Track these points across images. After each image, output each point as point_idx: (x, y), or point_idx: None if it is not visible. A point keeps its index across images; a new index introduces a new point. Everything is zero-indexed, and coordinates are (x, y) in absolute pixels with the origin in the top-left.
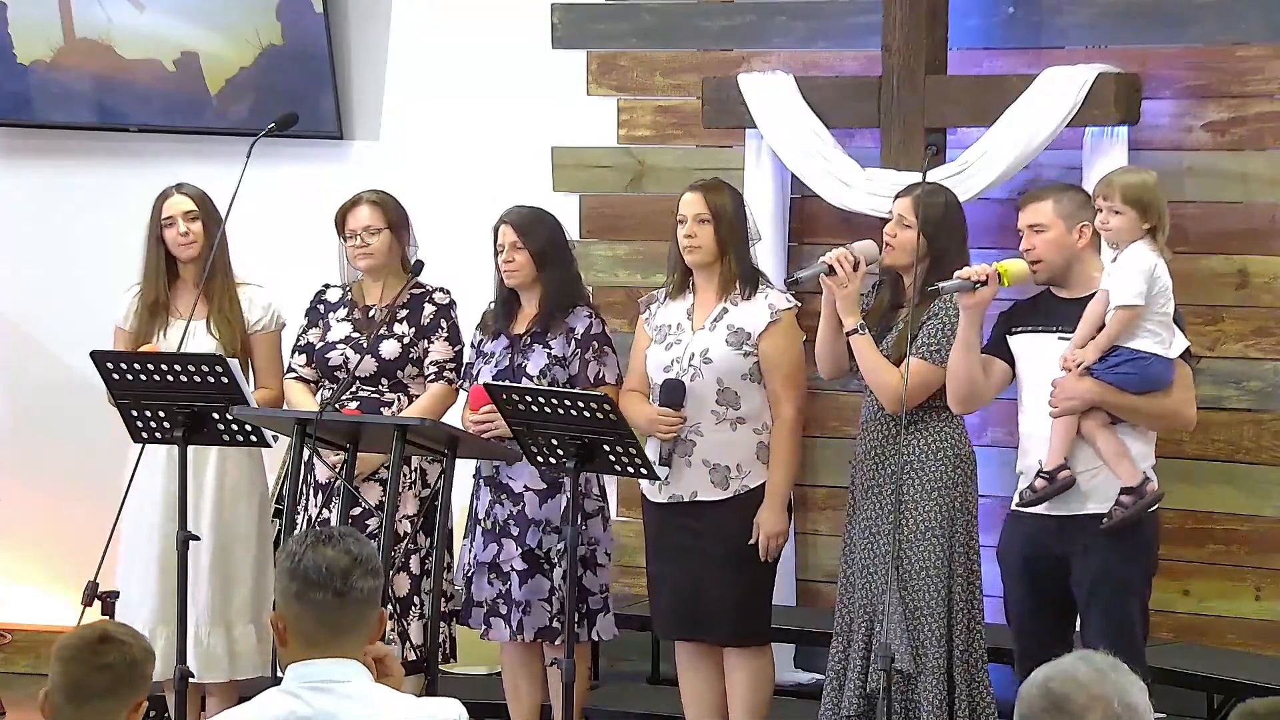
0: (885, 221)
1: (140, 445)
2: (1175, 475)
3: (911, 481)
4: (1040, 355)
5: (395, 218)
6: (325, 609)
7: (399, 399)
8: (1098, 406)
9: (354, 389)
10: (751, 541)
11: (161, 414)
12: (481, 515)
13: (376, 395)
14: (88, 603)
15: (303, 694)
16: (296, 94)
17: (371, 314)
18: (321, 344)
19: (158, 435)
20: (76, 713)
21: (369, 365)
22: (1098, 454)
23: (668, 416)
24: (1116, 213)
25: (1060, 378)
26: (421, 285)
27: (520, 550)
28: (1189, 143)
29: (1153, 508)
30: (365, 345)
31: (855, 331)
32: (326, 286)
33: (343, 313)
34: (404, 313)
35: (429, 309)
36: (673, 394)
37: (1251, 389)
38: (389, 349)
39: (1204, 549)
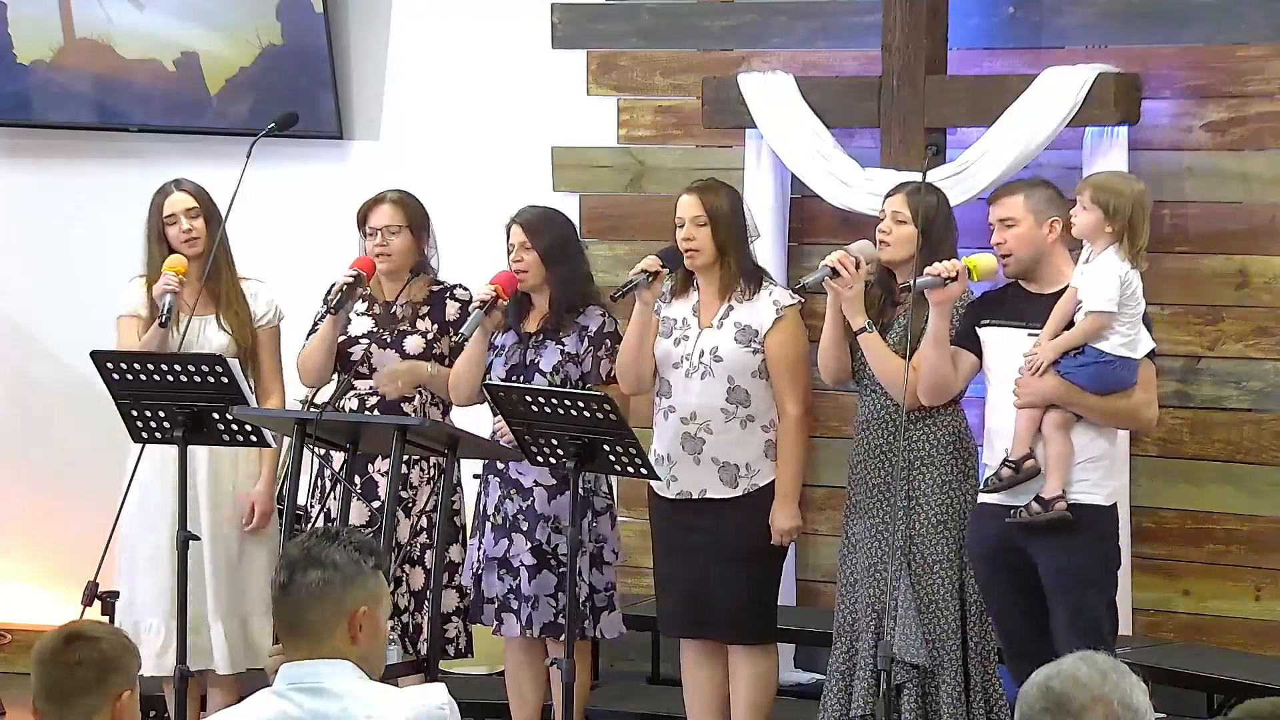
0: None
1: (140, 445)
2: (1175, 475)
3: (922, 476)
4: (1008, 350)
5: (416, 218)
6: (276, 604)
7: (419, 394)
8: (1058, 404)
9: (372, 387)
10: (774, 543)
11: (161, 414)
12: (491, 510)
13: None
14: (88, 603)
15: (291, 695)
16: (296, 94)
17: (393, 310)
18: (344, 338)
19: (158, 435)
20: (60, 713)
21: (391, 360)
22: (1043, 449)
23: (652, 261)
24: (1084, 209)
25: (1023, 368)
26: (440, 282)
27: (529, 545)
28: (1189, 143)
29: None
30: (389, 340)
31: (864, 330)
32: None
33: (363, 306)
34: (425, 309)
35: (452, 305)
36: (671, 258)
37: (1251, 389)
38: (412, 345)
39: (1204, 549)
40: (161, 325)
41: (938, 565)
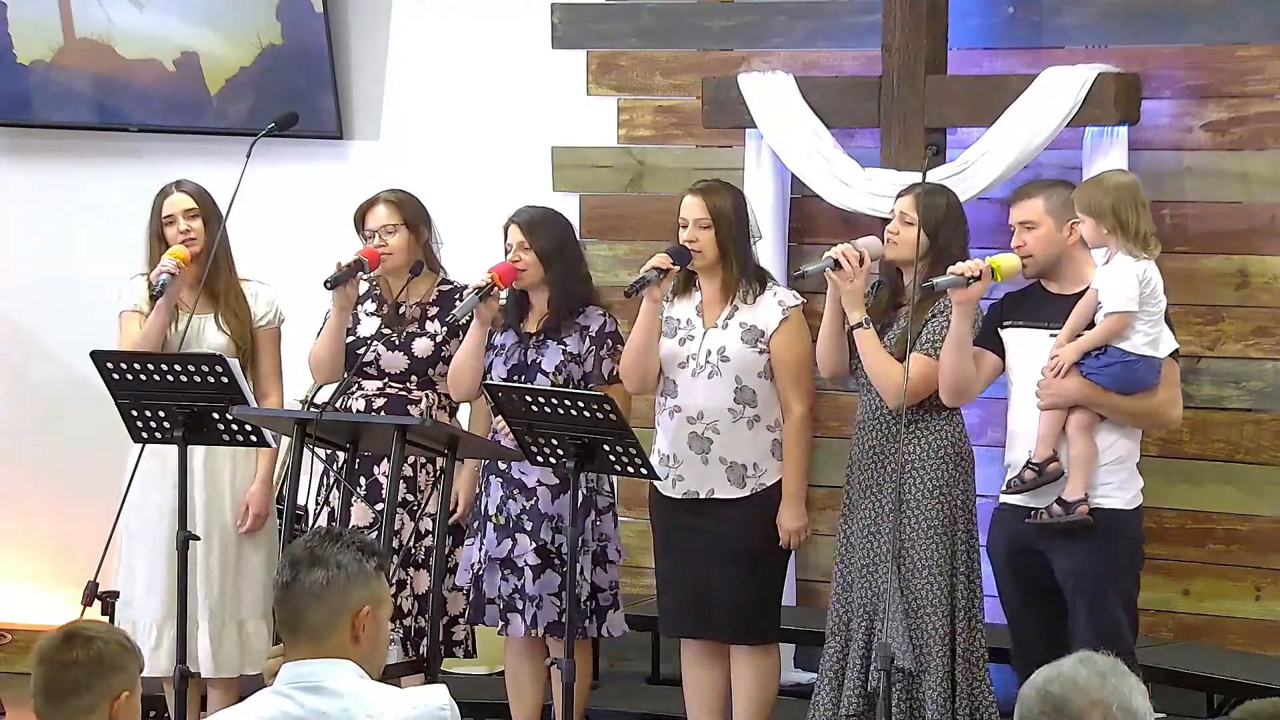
0: (885, 221)
1: (140, 445)
2: (1175, 475)
3: (913, 480)
4: (1031, 351)
5: (412, 215)
6: (278, 603)
7: (426, 395)
8: (1081, 405)
9: (381, 386)
10: (782, 544)
11: (161, 414)
12: (493, 511)
13: (404, 393)
14: (88, 603)
15: (293, 694)
16: (296, 94)
17: (401, 310)
18: (352, 339)
19: (158, 435)
20: (56, 711)
21: (399, 361)
22: (1067, 451)
23: (663, 259)
24: (1081, 221)
25: (1046, 369)
26: (449, 283)
27: (534, 545)
28: (1189, 143)
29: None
30: (398, 341)
31: (860, 325)
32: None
33: (371, 306)
34: (434, 310)
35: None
36: (680, 256)
37: (1251, 389)
38: (421, 346)
39: (1204, 549)
40: (153, 298)
41: (927, 570)
